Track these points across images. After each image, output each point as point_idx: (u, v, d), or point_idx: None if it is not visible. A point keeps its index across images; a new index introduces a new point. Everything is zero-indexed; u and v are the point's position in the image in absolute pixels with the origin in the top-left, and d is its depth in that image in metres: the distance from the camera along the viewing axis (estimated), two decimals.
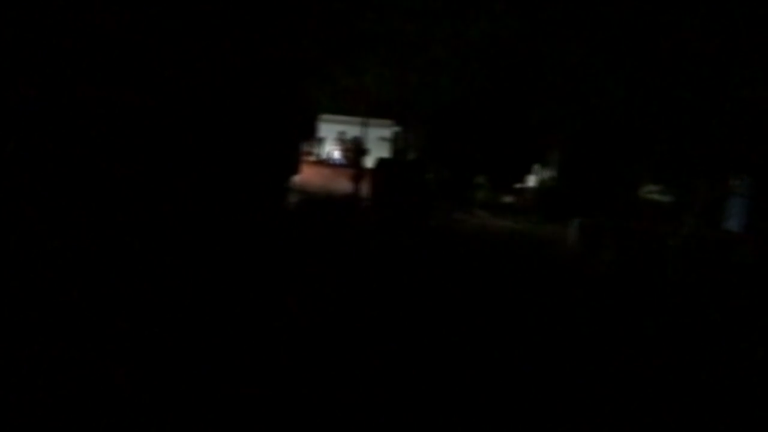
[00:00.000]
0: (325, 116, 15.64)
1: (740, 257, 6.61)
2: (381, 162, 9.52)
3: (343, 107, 15.49)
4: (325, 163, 14.70)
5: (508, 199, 14.20)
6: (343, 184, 12.56)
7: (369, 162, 13.20)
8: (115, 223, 3.82)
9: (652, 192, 13.59)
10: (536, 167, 15.67)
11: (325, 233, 6.99)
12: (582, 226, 8.05)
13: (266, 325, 3.37)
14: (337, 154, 14.73)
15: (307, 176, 12.65)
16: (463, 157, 15.23)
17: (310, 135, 15.26)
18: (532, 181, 15.44)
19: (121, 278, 3.39)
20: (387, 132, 15.10)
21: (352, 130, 14.59)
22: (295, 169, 9.09)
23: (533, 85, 14.20)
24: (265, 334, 3.18)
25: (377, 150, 13.86)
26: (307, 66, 10.18)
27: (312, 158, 14.68)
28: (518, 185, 14.97)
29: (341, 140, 14.84)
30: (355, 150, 14.20)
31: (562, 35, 12.13)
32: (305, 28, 7.94)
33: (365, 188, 10.67)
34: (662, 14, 9.69)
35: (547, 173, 15.47)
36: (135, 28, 4.13)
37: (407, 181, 9.29)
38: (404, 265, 5.89)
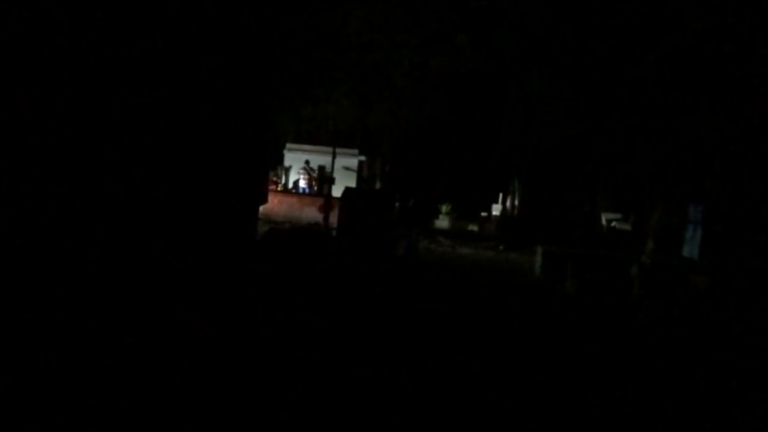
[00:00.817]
0: (291, 145, 15.81)
1: (696, 284, 6.79)
2: (348, 191, 9.49)
3: (309, 136, 15.96)
4: (291, 192, 14.79)
5: (472, 227, 14.36)
6: (309, 214, 12.59)
7: (335, 191, 13.45)
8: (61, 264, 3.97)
9: (612, 220, 14.16)
10: (500, 196, 16.09)
11: (293, 264, 6.88)
12: (546, 254, 8.11)
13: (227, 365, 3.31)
14: (303, 182, 14.81)
15: (273, 205, 12.69)
16: (427, 186, 15.45)
17: (275, 163, 15.40)
18: (496, 209, 15.75)
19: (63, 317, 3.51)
20: (353, 161, 15.34)
21: (318, 159, 14.76)
22: (262, 198, 9.09)
23: (494, 115, 14.67)
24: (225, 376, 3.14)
25: (344, 179, 14.12)
26: (271, 95, 10.25)
27: (278, 187, 14.78)
28: (483, 213, 15.21)
29: (307, 169, 14.93)
30: (320, 179, 14.48)
31: (521, 65, 12.47)
32: (268, 57, 7.96)
33: (332, 217, 10.64)
34: (619, 45, 10.00)
35: (510, 202, 15.86)
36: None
37: (374, 211, 9.25)
38: (373, 296, 5.83)
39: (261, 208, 11.61)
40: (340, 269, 7.04)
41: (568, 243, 9.68)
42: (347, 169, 14.79)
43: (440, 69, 12.65)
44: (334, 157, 11.51)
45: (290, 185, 15.17)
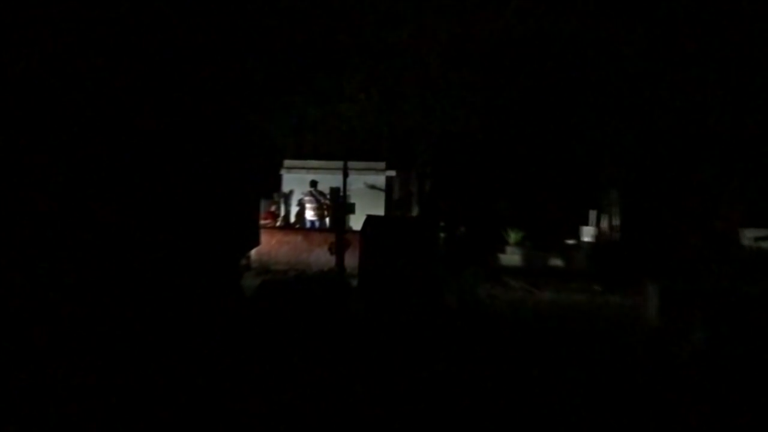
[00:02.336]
0: (290, 162, 16.44)
1: None
2: (371, 221, 9.40)
3: (315, 149, 16.28)
4: (293, 227, 15.21)
5: (555, 260, 13.98)
6: (319, 256, 12.73)
7: (354, 222, 13.62)
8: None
9: (761, 238, 13.28)
10: (593, 215, 15.66)
11: (296, 330, 6.78)
12: (664, 292, 7.78)
13: None
14: (309, 213, 15.30)
15: (269, 247, 13.04)
16: (486, 207, 15.48)
17: (271, 190, 15.98)
18: (587, 233, 15.31)
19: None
20: (378, 178, 15.90)
21: (329, 179, 15.14)
22: (252, 240, 9.14)
23: (577, 101, 14.31)
24: None
25: (367, 204, 14.42)
26: (259, 93, 10.37)
27: (276, 221, 15.10)
28: (569, 241, 14.83)
29: (314, 194, 15.29)
30: (333, 207, 14.81)
31: (614, 22, 11.59)
32: (250, 42, 8.06)
33: (350, 259, 10.64)
34: None
35: (607, 221, 15.49)
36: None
37: (409, 246, 9.12)
38: (411, 375, 5.55)
39: (253, 253, 12.00)
40: (360, 337, 6.90)
41: (694, 274, 9.49)
42: (372, 188, 15.44)
43: (491, 42, 12.27)
44: (345, 176, 11.62)
45: (292, 217, 15.69)
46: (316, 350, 6.23)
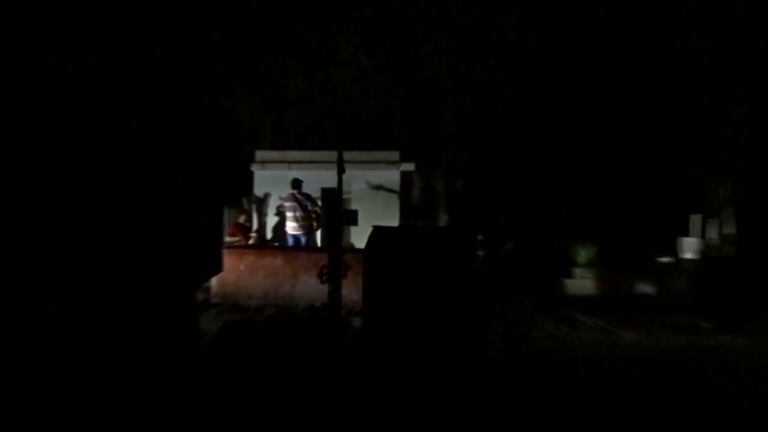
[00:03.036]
0: (266, 154, 16.95)
1: None
2: (380, 235, 9.33)
3: (300, 135, 17.36)
4: (270, 245, 15.69)
5: (643, 286, 13.75)
6: (306, 285, 12.75)
7: (356, 237, 14.62)
8: None
9: None
10: (696, 221, 15.40)
11: (270, 394, 6.53)
12: None
13: None
14: (292, 226, 15.39)
15: (237, 274, 13.03)
16: (542, 214, 16.00)
17: (238, 194, 16.60)
18: (689, 246, 15.01)
19: None
20: (389, 175, 16.19)
21: (319, 177, 15.77)
22: (212, 265, 9.14)
23: (672, 61, 14.40)
24: None
25: (372, 212, 15.22)
26: (215, 55, 10.28)
27: (245, 239, 15.50)
28: (662, 258, 14.57)
29: (298, 198, 15.36)
30: (326, 216, 15.35)
31: None
32: None
33: (351, 290, 10.66)
34: None
35: (715, 231, 15.25)
36: None
37: (435, 270, 8.95)
38: None
39: (214, 282, 12.54)
40: (362, 408, 6.54)
41: None
42: (381, 188, 15.74)
43: None
44: (342, 172, 11.26)
45: (269, 232, 16.03)
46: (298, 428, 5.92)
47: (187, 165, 7.87)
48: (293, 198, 15.37)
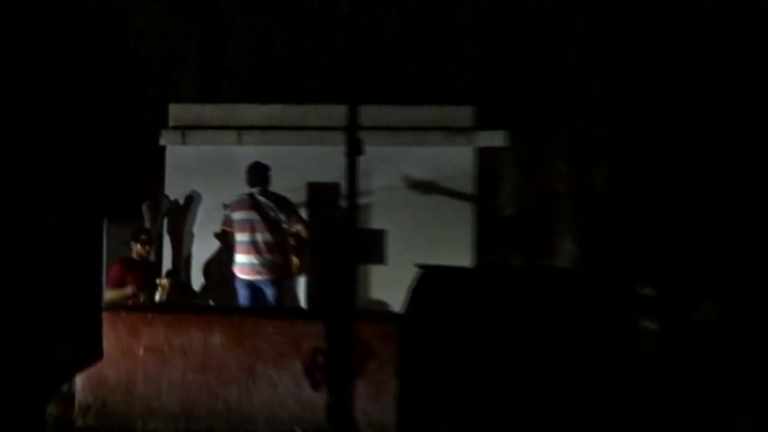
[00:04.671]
0: (187, 111, 16.63)
1: None
2: (436, 286, 9.29)
3: (258, 69, 17.53)
4: (198, 302, 15.39)
5: None
6: (272, 389, 12.31)
7: (382, 285, 14.32)
8: None
9: None
10: None
11: None
12: None
13: None
14: (245, 261, 15.12)
15: (127, 365, 12.52)
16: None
17: (129, 197, 15.96)
18: None
19: None
20: (455, 155, 15.73)
21: (302, 160, 15.50)
22: (77, 350, 9.13)
23: None
24: None
25: (416, 231, 14.80)
26: None
27: (139, 289, 14.84)
28: None
29: (261, 204, 15.10)
30: (315, 239, 15.05)
31: None
32: None
33: (371, 399, 10.34)
34: None
35: None
36: None
37: (559, 365, 9.25)
38: None
39: (83, 382, 12.36)
40: None
41: None
42: (432, 188, 15.33)
43: None
44: (354, 152, 10.86)
45: (196, 273, 15.91)
46: None
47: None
48: (250, 205, 15.01)
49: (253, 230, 14.97)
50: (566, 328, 9.22)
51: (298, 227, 14.99)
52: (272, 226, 14.96)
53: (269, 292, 14.97)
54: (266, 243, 14.99)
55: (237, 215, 15.11)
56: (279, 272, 15.06)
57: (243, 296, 15.08)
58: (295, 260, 15.06)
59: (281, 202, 15.06)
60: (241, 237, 15.06)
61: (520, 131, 16.25)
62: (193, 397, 12.32)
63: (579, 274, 13.84)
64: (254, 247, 14.99)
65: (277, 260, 15.00)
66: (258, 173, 15.01)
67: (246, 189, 15.02)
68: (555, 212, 16.29)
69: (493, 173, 16.05)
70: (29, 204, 8.02)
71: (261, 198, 15.01)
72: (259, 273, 14.98)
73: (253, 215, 14.93)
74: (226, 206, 15.25)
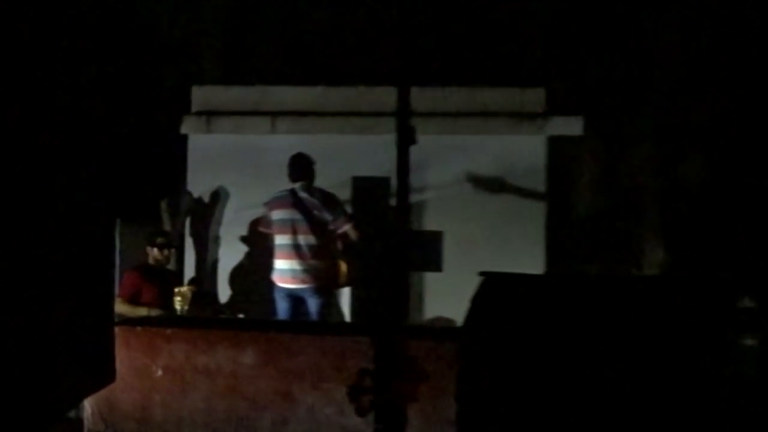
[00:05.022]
0: (213, 94, 16.69)
1: None
2: (503, 296, 9.30)
3: (293, 47, 17.55)
4: (226, 316, 15.41)
5: None
6: (310, 415, 12.23)
7: (437, 297, 14.50)
8: None
9: None
10: None
11: None
12: None
13: None
14: (285, 267, 14.98)
15: (144, 389, 12.46)
16: None
17: (146, 194, 16.18)
18: None
19: None
20: (524, 144, 15.73)
21: (345, 151, 15.52)
22: (87, 371, 9.46)
23: None
24: None
25: (478, 233, 14.82)
26: None
27: (156, 300, 14.87)
28: None
29: (304, 200, 15.02)
30: (365, 243, 14.90)
31: None
32: None
33: (424, 426, 10.39)
34: None
35: None
36: None
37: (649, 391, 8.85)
38: None
39: (92, 406, 12.16)
40: None
41: None
42: (497, 184, 15.37)
43: None
44: (407, 141, 10.92)
45: (222, 285, 15.95)
46: None
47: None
48: (291, 202, 14.96)
49: (295, 232, 14.83)
50: (653, 346, 9.00)
51: (346, 228, 14.83)
52: (317, 227, 14.80)
53: (313, 304, 14.84)
54: (310, 246, 14.81)
55: (276, 214, 15.01)
56: (324, 280, 14.90)
57: (283, 309, 14.96)
58: (343, 267, 14.92)
59: (327, 199, 14.92)
60: (281, 240, 14.95)
61: (598, 117, 16.23)
62: (219, 427, 12.35)
63: (667, 284, 13.68)
64: (296, 251, 14.82)
65: (322, 266, 14.84)
66: (301, 166, 14.95)
67: (283, 184, 14.89)
68: (639, 212, 16.15)
69: (568, 166, 15.96)
70: (29, 202, 8.09)
71: (304, 195, 14.86)
72: (302, 281, 14.82)
73: (295, 214, 14.81)
74: (265, 205, 15.14)
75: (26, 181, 7.93)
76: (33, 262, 8.00)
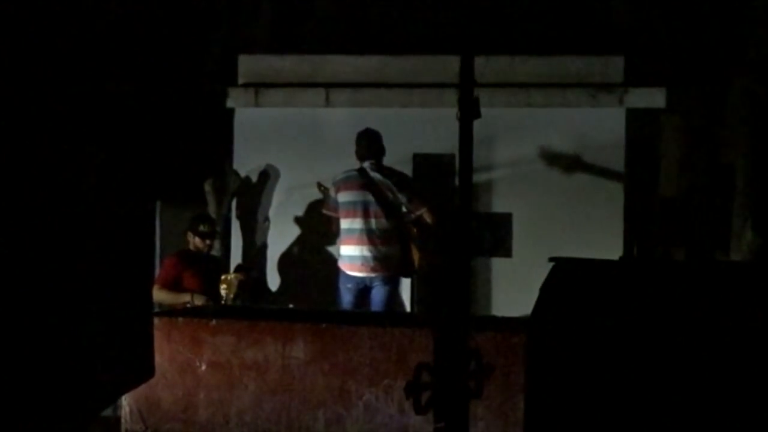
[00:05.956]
0: (261, 63, 16.68)
1: None
2: (579, 285, 9.25)
3: (345, 14, 17.48)
4: (277, 305, 15.22)
5: None
6: (368, 412, 12.38)
7: (504, 285, 14.42)
8: None
9: None
10: None
11: None
12: None
13: None
14: (354, 253, 14.95)
15: (186, 384, 12.55)
16: None
17: (188, 173, 16.08)
18: None
19: None
20: (600, 118, 15.65)
21: (406, 126, 15.43)
22: (123, 366, 9.12)
23: None
24: None
25: (551, 214, 14.78)
26: None
27: (200, 289, 14.92)
28: None
29: (374, 180, 14.94)
30: (444, 220, 14.68)
31: None
32: None
33: (491, 426, 10.66)
34: None
35: None
36: None
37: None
38: None
39: (130, 403, 12.22)
40: None
41: None
42: (571, 161, 15.35)
43: None
44: (469, 113, 10.83)
45: (272, 272, 15.86)
46: None
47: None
48: (361, 183, 14.91)
49: (366, 215, 14.77)
50: (743, 341, 8.97)
51: (422, 211, 14.75)
52: (390, 210, 14.78)
53: (379, 293, 14.78)
54: (382, 231, 14.77)
55: (344, 196, 14.88)
56: (396, 269, 14.90)
57: (348, 299, 14.86)
58: (417, 253, 14.93)
59: (402, 180, 14.91)
60: (349, 224, 14.86)
61: (684, 88, 16.15)
62: (269, 427, 12.27)
63: (758, 271, 13.58)
64: (368, 236, 14.76)
65: (395, 253, 14.83)
66: (371, 143, 14.90)
67: (339, 162, 14.86)
68: (729, 192, 15.98)
69: (649, 141, 15.87)
70: (61, 181, 8.06)
71: (376, 174, 14.79)
72: (373, 269, 14.76)
73: (367, 196, 14.77)
74: (333, 185, 15.17)
75: (53, 158, 7.93)
76: (62, 247, 7.99)
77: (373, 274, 14.66)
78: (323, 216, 15.23)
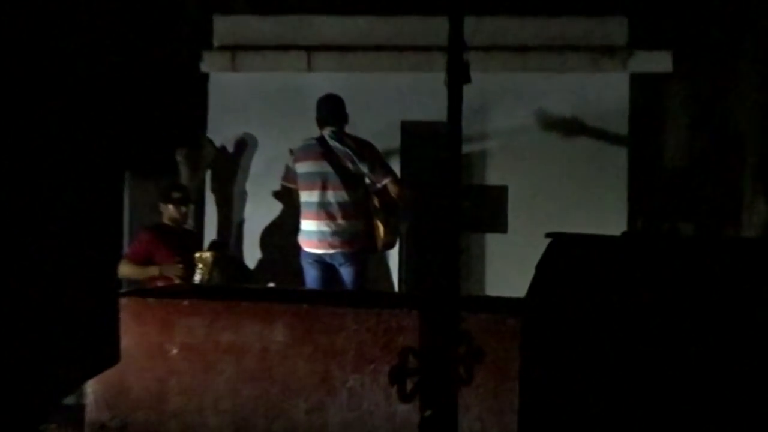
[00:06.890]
0: (236, 24, 16.73)
1: None
2: (578, 262, 9.41)
3: None
4: (253, 284, 15.45)
5: None
6: (351, 399, 12.32)
7: (499, 263, 14.47)
8: None
9: None
10: None
11: None
12: None
13: None
14: (313, 228, 14.86)
15: (156, 370, 12.55)
16: None
17: (158, 142, 16.08)
18: None
19: None
20: (603, 83, 15.69)
21: (389, 91, 15.53)
22: (84, 352, 8.82)
23: None
24: None
25: (549, 187, 14.83)
26: None
27: (173, 267, 14.83)
28: None
29: (334, 149, 14.81)
30: (413, 198, 14.92)
31: None
32: None
33: (483, 415, 10.58)
34: None
35: None
36: None
37: None
38: None
39: (94, 391, 12.04)
40: None
41: None
42: (571, 128, 15.37)
43: None
44: (459, 77, 10.87)
45: (249, 247, 16.13)
46: None
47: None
48: (320, 153, 14.69)
49: (324, 187, 14.58)
50: (754, 321, 8.91)
51: (385, 182, 14.63)
52: (350, 181, 14.63)
53: (346, 272, 14.67)
54: (342, 204, 14.56)
55: (302, 167, 14.80)
56: (359, 244, 14.72)
57: (311, 277, 14.79)
58: (381, 228, 14.84)
59: (363, 148, 14.66)
60: (307, 197, 14.72)
61: (691, 52, 16.25)
62: (246, 413, 12.19)
63: None
64: (325, 210, 14.58)
65: (356, 228, 14.65)
66: (332, 109, 14.78)
67: (312, 134, 14.76)
68: (740, 162, 16.10)
69: (654, 107, 15.94)
70: (23, 151, 8.02)
71: (335, 143, 14.57)
72: (331, 245, 14.61)
73: (325, 167, 14.55)
74: (291, 154, 14.93)
75: (10, 125, 7.88)
76: (17, 221, 7.97)
77: (332, 251, 14.56)
78: (282, 188, 15.34)
